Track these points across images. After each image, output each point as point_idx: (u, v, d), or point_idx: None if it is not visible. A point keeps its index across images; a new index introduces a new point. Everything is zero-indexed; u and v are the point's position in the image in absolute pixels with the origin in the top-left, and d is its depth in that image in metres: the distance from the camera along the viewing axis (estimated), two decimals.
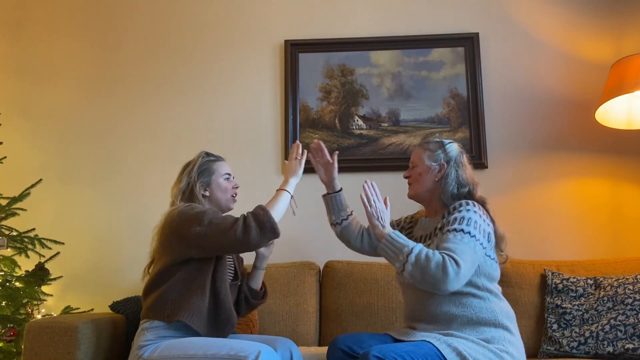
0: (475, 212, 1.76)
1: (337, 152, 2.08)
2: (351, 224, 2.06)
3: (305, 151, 2.03)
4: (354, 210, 2.11)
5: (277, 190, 1.92)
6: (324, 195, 2.09)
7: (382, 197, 1.83)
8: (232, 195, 2.02)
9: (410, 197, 1.96)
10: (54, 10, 3.06)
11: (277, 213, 1.84)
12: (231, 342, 1.74)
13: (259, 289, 2.09)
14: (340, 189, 2.07)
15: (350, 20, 2.96)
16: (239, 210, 1.99)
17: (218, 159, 2.04)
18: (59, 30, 3.04)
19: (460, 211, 1.76)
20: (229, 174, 2.03)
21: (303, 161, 2.00)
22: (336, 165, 2.04)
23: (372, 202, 1.78)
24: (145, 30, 3.01)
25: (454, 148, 1.92)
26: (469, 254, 1.67)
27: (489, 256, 1.77)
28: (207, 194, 1.97)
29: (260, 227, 1.76)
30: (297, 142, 2.04)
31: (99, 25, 3.03)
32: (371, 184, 1.82)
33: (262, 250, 2.07)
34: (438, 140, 1.95)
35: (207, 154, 2.03)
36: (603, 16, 2.87)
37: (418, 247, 1.68)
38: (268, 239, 1.80)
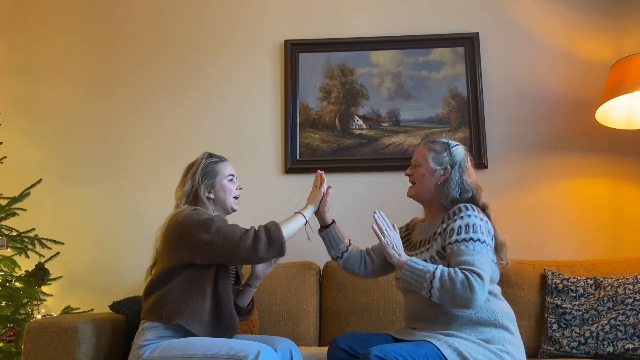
0: (475, 216, 1.74)
1: (330, 187, 2.01)
2: (352, 254, 2.02)
3: (325, 179, 2.01)
4: (352, 238, 2.08)
5: (295, 212, 1.92)
6: (319, 232, 2.03)
7: (391, 223, 1.82)
8: (236, 197, 1.99)
9: (410, 196, 1.95)
10: (53, 10, 3.06)
11: (288, 232, 1.83)
12: (231, 342, 1.74)
13: (245, 306, 2.06)
14: (333, 221, 2.02)
15: (350, 20, 2.95)
16: (238, 210, 1.98)
17: (221, 159, 2.02)
18: (59, 30, 3.04)
19: (462, 218, 1.74)
20: (233, 175, 2.00)
21: (322, 189, 1.99)
22: (328, 199, 1.99)
23: (385, 231, 1.77)
24: (145, 30, 3.01)
25: (460, 151, 1.89)
26: (486, 261, 1.67)
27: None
28: (211, 196, 1.95)
29: (270, 242, 1.75)
30: (319, 171, 2.03)
31: (99, 25, 3.03)
32: (380, 213, 1.81)
33: (259, 269, 2.04)
34: (444, 141, 1.91)
35: (210, 155, 2.00)
36: (603, 16, 2.87)
37: (439, 270, 1.65)
38: (274, 255, 1.79)
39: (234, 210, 2.00)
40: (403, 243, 1.98)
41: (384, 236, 1.76)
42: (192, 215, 1.81)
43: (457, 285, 1.60)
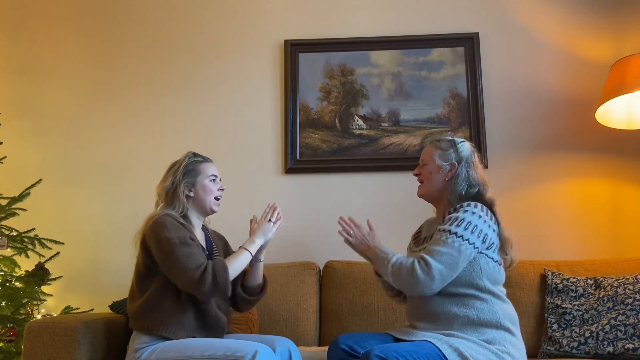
0: (473, 213, 1.75)
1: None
2: None
3: (281, 216, 1.98)
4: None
5: (239, 247, 1.91)
6: (375, 273, 1.98)
7: (367, 220, 1.92)
8: (217, 198, 1.98)
9: (420, 196, 1.94)
10: (53, 10, 3.05)
11: (234, 272, 1.84)
12: (228, 342, 1.75)
13: (258, 284, 2.04)
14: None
15: (350, 20, 2.95)
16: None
17: (205, 159, 2.02)
18: (59, 30, 3.04)
19: (459, 211, 1.76)
20: (215, 176, 2.00)
21: (276, 226, 1.97)
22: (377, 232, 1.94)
23: (350, 233, 1.88)
24: (145, 30, 3.01)
25: (466, 147, 1.89)
26: (449, 254, 1.68)
27: (492, 259, 1.77)
28: (191, 194, 1.95)
29: (215, 285, 1.76)
30: (274, 204, 1.99)
31: (99, 25, 3.03)
32: (343, 218, 1.90)
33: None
34: (450, 138, 1.92)
35: (195, 155, 2.01)
36: (603, 16, 2.86)
37: (395, 257, 1.76)
38: (218, 296, 1.85)
39: (213, 212, 1.99)
40: (414, 240, 2.01)
41: (350, 236, 1.88)
42: (158, 227, 1.83)
43: (403, 270, 1.71)
